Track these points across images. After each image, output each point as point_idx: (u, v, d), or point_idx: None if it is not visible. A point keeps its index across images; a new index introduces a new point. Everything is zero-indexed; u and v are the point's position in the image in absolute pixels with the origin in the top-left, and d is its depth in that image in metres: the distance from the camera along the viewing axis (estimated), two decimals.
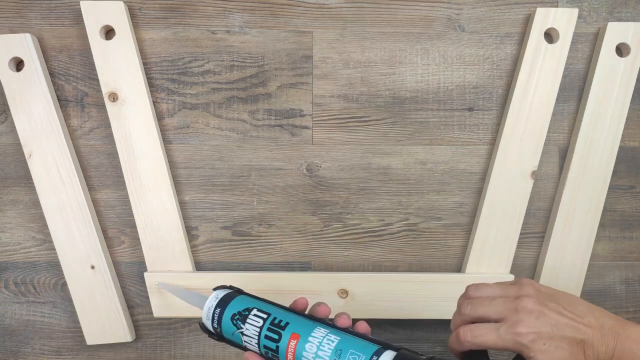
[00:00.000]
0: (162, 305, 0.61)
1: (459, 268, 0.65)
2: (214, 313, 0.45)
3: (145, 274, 0.61)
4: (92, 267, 0.61)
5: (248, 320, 0.43)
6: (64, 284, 0.63)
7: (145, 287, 0.62)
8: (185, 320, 0.64)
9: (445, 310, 0.61)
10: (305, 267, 0.64)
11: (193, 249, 0.64)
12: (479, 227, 0.62)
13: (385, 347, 0.39)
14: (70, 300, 0.63)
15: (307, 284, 0.61)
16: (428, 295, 0.61)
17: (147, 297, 0.62)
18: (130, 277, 0.64)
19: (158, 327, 0.65)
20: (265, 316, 0.43)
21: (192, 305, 0.49)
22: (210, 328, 0.45)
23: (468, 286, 0.45)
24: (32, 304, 0.64)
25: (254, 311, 0.44)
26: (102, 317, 0.62)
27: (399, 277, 0.61)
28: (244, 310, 0.44)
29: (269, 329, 0.42)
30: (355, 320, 0.45)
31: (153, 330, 0.64)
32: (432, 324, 0.65)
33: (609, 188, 0.63)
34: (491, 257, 0.63)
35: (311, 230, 0.64)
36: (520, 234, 0.63)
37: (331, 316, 0.45)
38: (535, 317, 0.39)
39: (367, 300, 0.61)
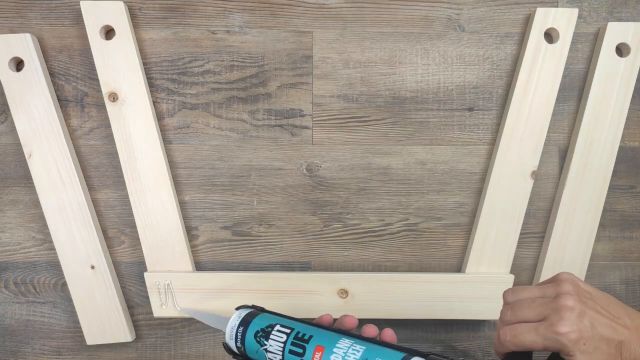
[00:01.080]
0: (162, 305, 0.62)
1: (459, 268, 0.65)
2: (237, 332, 0.44)
3: (145, 274, 0.61)
4: (92, 267, 0.61)
5: (271, 337, 0.43)
6: (64, 284, 0.63)
7: (145, 287, 0.62)
8: (185, 320, 0.64)
9: (445, 310, 0.61)
10: (305, 267, 0.64)
11: (193, 249, 0.64)
12: (479, 227, 0.62)
13: (412, 354, 0.39)
14: (70, 300, 0.63)
15: (307, 284, 0.61)
16: (428, 295, 0.61)
17: (147, 297, 0.62)
18: (130, 277, 0.64)
19: (158, 327, 0.65)
20: (288, 331, 0.42)
21: (215, 327, 0.48)
22: (234, 348, 0.45)
23: (504, 292, 0.44)
24: (32, 304, 0.64)
25: (277, 327, 0.43)
26: (102, 317, 0.62)
27: (399, 277, 0.61)
28: (266, 327, 0.43)
29: (292, 344, 0.42)
30: (380, 329, 0.44)
31: (153, 330, 0.64)
32: (432, 324, 0.65)
33: (609, 188, 0.63)
34: (491, 257, 0.63)
35: (311, 230, 0.64)
36: (520, 234, 0.63)
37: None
38: (577, 316, 0.39)
39: (367, 300, 0.61)
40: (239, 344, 0.44)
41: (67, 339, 0.64)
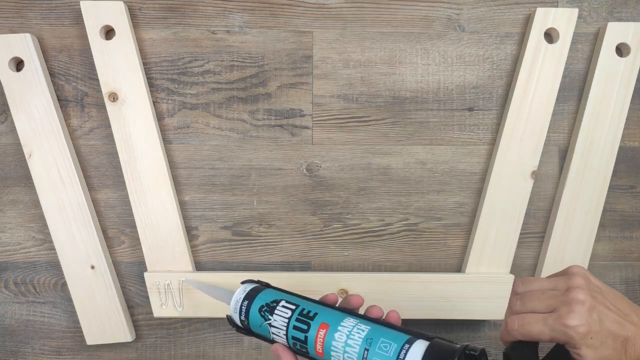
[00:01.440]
0: (162, 305, 0.62)
1: (459, 268, 0.65)
2: (241, 306, 0.44)
3: (145, 274, 0.61)
4: (92, 267, 0.61)
5: (276, 312, 0.43)
6: (64, 284, 0.63)
7: (145, 287, 0.62)
8: (185, 320, 0.64)
9: (445, 310, 0.61)
10: (305, 267, 0.64)
11: (193, 249, 0.64)
12: (479, 227, 0.62)
13: (417, 336, 0.39)
14: (70, 300, 0.63)
15: (307, 284, 0.61)
16: (428, 295, 0.61)
17: (147, 297, 0.62)
18: (130, 277, 0.64)
19: (158, 327, 0.65)
20: (293, 307, 0.43)
21: (219, 300, 0.48)
22: (238, 321, 0.45)
23: (515, 281, 0.44)
24: (32, 304, 0.64)
25: (282, 303, 0.43)
26: (102, 317, 0.62)
27: (399, 277, 0.61)
28: (271, 302, 0.44)
29: (297, 320, 0.42)
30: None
31: (153, 330, 0.64)
32: (432, 324, 0.65)
33: (609, 188, 0.63)
34: (491, 257, 0.63)
35: (311, 230, 0.64)
36: (520, 234, 0.63)
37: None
38: (587, 310, 0.38)
39: (367, 300, 0.61)
40: (242, 318, 0.44)
41: (67, 339, 0.64)
